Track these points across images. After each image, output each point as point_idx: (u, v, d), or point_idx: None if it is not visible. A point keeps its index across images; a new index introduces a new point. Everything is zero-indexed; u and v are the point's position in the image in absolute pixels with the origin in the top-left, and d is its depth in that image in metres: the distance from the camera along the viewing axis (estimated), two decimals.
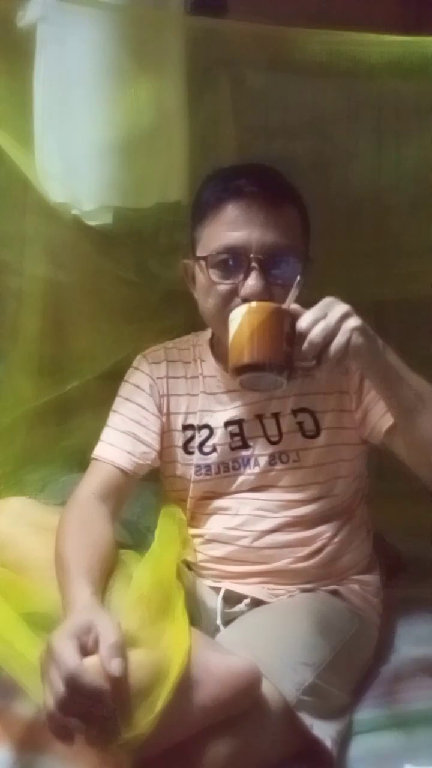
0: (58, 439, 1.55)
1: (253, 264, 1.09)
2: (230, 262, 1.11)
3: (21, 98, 1.28)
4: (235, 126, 1.45)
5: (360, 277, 1.46)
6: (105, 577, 1.02)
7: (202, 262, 1.13)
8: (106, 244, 1.38)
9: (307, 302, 0.98)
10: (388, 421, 1.14)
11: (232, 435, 1.22)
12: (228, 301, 1.11)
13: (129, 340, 1.40)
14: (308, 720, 0.97)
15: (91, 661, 0.85)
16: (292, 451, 1.20)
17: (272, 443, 1.21)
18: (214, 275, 1.11)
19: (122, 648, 0.86)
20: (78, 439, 1.51)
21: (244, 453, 1.21)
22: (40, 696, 0.88)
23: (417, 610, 1.33)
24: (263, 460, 1.21)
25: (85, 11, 1.23)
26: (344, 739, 1.02)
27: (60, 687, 0.83)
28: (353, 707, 1.09)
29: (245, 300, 1.07)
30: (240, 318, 0.97)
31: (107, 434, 1.22)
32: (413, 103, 1.46)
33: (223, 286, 1.11)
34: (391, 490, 1.46)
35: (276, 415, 1.21)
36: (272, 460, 1.20)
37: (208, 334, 1.28)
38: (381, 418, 1.15)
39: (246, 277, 1.09)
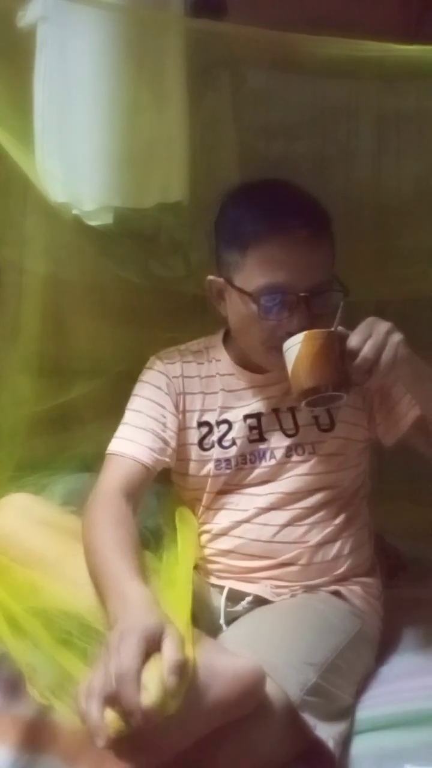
0: (62, 449, 1.55)
1: (301, 302, 1.12)
2: (278, 300, 1.13)
3: (21, 98, 1.27)
4: (235, 126, 1.45)
5: (360, 278, 1.46)
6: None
7: (246, 297, 1.15)
8: (107, 245, 1.37)
9: None
10: (411, 418, 1.20)
11: (251, 428, 1.24)
12: (274, 334, 1.14)
13: (134, 348, 1.41)
14: (311, 721, 0.97)
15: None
16: (307, 443, 1.24)
17: (288, 436, 1.24)
18: (260, 311, 1.14)
19: (185, 670, 0.85)
20: (82, 448, 1.51)
21: (261, 446, 1.24)
22: (40, 694, 0.88)
23: (417, 610, 1.33)
24: (279, 453, 1.24)
25: (86, 11, 1.23)
26: (345, 739, 1.02)
27: (110, 681, 0.83)
28: (355, 709, 1.08)
29: (290, 334, 1.11)
30: (298, 347, 1.07)
31: (125, 431, 1.23)
32: (414, 103, 1.46)
33: (270, 322, 1.15)
34: (391, 490, 1.46)
35: (292, 409, 1.24)
36: (288, 452, 1.24)
37: (219, 335, 1.32)
38: (405, 416, 1.20)
39: (293, 314, 1.13)
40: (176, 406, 1.25)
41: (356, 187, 1.50)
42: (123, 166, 1.27)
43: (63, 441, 1.56)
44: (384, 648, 1.23)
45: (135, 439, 1.21)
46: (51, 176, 1.29)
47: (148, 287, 1.44)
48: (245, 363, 1.26)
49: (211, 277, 1.23)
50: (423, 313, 1.57)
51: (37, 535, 1.14)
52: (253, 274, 1.14)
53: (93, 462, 1.48)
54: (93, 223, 1.31)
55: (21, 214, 1.41)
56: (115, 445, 1.21)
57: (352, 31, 1.16)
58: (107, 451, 1.21)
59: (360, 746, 1.02)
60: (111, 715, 0.83)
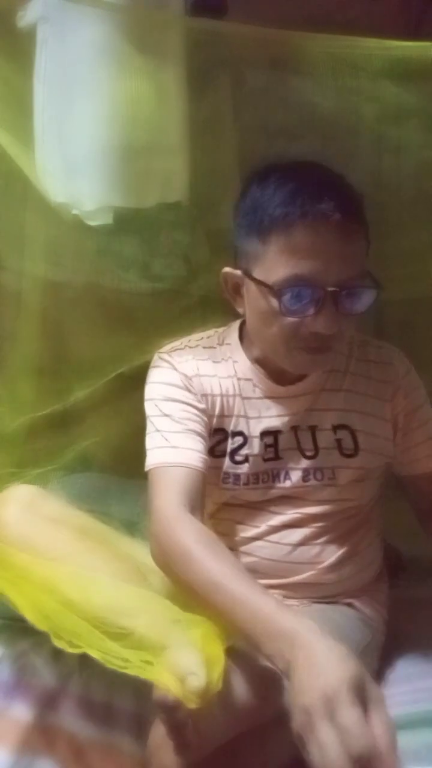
0: (62, 447, 1.53)
1: (328, 298, 1.00)
2: (302, 294, 0.99)
3: (21, 98, 1.28)
4: (235, 126, 1.45)
5: None
6: None
7: (266, 290, 1.02)
8: (107, 245, 1.37)
9: None
10: (425, 467, 1.17)
11: (266, 446, 1.14)
12: (296, 334, 1.03)
13: (135, 349, 1.38)
14: None
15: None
16: (327, 468, 1.14)
17: (307, 458, 1.14)
18: (282, 307, 1.00)
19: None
20: (83, 447, 1.50)
21: (276, 465, 1.14)
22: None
23: (417, 611, 1.33)
24: (296, 475, 1.14)
25: (86, 11, 1.23)
26: None
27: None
28: None
29: (315, 333, 1.02)
30: None
31: (162, 439, 1.07)
32: (414, 103, 1.46)
33: (293, 319, 1.02)
34: (391, 490, 1.46)
35: (313, 429, 1.14)
36: (306, 475, 1.14)
37: (234, 330, 1.19)
38: (420, 460, 1.17)
39: (319, 311, 1.00)
40: (200, 401, 1.12)
41: (356, 187, 1.49)
42: (123, 166, 1.27)
43: (63, 440, 1.56)
44: (385, 649, 1.22)
45: (178, 444, 1.06)
46: (51, 176, 1.30)
47: (147, 290, 1.43)
48: (264, 368, 1.14)
49: (226, 270, 1.09)
50: (423, 313, 1.57)
51: (42, 530, 1.06)
52: (275, 264, 1.00)
53: (93, 460, 1.48)
54: (93, 223, 1.31)
55: (21, 214, 1.41)
56: (157, 457, 1.06)
57: (352, 30, 1.16)
58: (148, 467, 1.07)
59: None
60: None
